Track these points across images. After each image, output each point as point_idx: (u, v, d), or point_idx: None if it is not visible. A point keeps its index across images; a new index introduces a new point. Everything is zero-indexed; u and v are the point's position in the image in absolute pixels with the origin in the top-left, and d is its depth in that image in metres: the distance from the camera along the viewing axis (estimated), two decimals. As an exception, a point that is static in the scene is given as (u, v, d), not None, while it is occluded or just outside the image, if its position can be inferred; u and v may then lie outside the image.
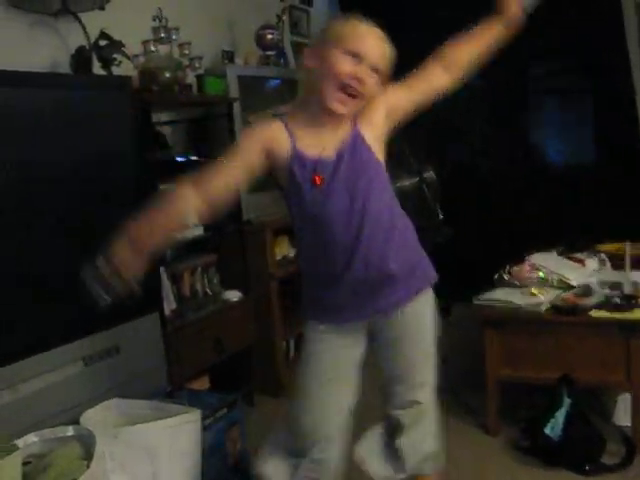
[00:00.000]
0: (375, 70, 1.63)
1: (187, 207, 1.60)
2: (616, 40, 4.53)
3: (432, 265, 1.87)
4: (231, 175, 1.65)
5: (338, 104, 1.62)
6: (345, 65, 1.60)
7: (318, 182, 1.64)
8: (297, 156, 1.65)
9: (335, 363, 1.82)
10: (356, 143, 1.69)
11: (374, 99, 1.71)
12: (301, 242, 1.82)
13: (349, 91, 1.62)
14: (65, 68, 2.74)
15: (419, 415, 1.89)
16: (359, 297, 1.74)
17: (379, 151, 1.74)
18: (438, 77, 1.77)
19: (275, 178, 1.73)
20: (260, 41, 3.75)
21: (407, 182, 3.58)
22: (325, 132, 1.68)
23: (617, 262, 3.00)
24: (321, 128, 1.68)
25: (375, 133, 1.73)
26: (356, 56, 1.61)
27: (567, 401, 2.57)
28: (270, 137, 1.67)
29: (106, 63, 2.69)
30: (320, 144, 1.67)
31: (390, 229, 1.71)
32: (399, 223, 1.76)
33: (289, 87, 3.80)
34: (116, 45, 2.72)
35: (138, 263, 1.54)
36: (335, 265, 1.70)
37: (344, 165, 1.66)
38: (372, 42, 1.63)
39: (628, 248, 2.93)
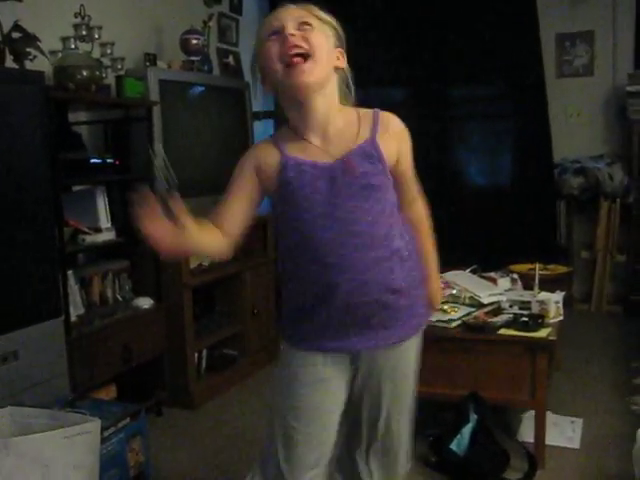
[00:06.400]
0: (303, 23, 1.49)
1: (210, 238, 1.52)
2: (534, 67, 4.70)
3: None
4: (235, 203, 1.56)
5: (296, 75, 1.46)
6: (272, 47, 1.48)
7: (318, 187, 1.51)
8: (290, 162, 1.52)
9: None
10: (369, 150, 1.53)
11: (400, 130, 1.60)
12: (285, 252, 1.62)
13: (293, 56, 1.46)
14: (-25, 59, 2.62)
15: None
16: (344, 325, 1.58)
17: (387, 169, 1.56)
18: (403, 194, 1.66)
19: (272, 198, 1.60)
20: (184, 46, 3.70)
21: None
22: (322, 133, 1.55)
23: (528, 282, 3.08)
24: (318, 129, 1.54)
25: (390, 151, 1.56)
26: (276, 33, 1.48)
27: (474, 417, 2.60)
28: (257, 154, 1.58)
29: (19, 57, 2.58)
30: (320, 147, 1.54)
31: (388, 254, 1.55)
32: (401, 246, 1.59)
33: (213, 94, 3.77)
34: (31, 39, 2.62)
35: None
36: (320, 283, 1.54)
37: (349, 173, 1.51)
38: (284, 11, 1.51)
39: (537, 269, 3.01)
